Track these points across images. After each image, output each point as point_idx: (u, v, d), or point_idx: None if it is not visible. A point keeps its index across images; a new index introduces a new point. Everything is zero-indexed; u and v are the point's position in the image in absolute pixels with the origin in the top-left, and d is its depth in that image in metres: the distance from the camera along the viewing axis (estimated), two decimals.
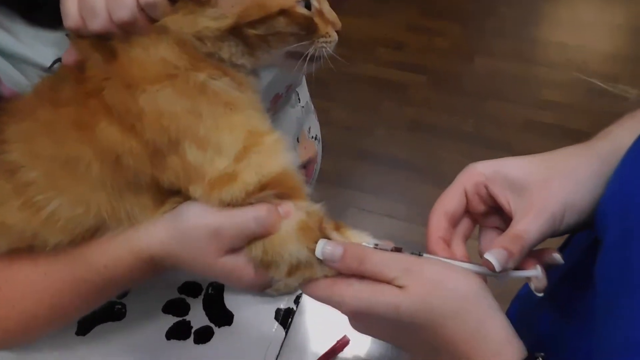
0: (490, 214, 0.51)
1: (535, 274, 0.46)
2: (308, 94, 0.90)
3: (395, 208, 2.01)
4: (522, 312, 0.66)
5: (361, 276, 0.44)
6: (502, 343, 0.41)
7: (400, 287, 0.42)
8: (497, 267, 0.43)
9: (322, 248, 0.44)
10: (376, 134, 2.28)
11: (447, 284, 0.42)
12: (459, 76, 2.51)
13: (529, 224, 0.44)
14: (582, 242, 0.53)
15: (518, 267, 0.46)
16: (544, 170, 0.46)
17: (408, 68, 2.54)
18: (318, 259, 0.44)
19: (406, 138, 2.27)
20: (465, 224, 0.52)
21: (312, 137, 0.91)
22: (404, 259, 0.43)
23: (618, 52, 2.58)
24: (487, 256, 0.43)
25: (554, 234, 0.46)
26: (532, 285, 0.46)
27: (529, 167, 0.47)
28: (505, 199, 0.47)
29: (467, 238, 0.52)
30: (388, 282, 0.42)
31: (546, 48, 2.62)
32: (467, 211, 0.51)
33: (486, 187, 0.49)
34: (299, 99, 0.85)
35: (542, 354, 0.42)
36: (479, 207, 0.50)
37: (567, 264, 0.55)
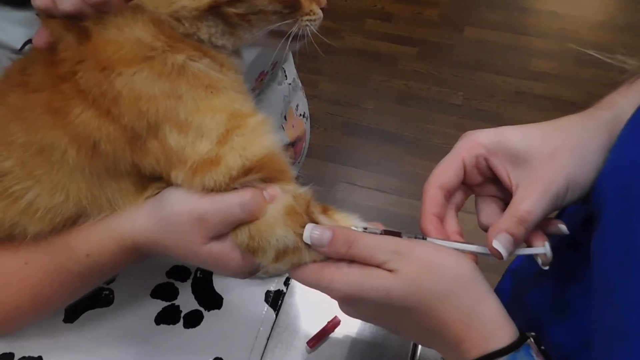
0: (486, 183, 0.50)
1: (543, 251, 0.45)
2: (295, 70, 0.88)
3: (385, 181, 2.01)
4: (515, 286, 0.66)
5: (350, 260, 0.43)
6: (495, 325, 0.41)
7: (390, 270, 0.41)
8: (505, 256, 0.43)
9: (310, 232, 0.43)
10: (365, 107, 2.26)
11: (439, 267, 0.42)
12: (448, 48, 2.48)
13: (533, 204, 0.43)
14: (576, 214, 0.53)
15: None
16: (548, 143, 0.44)
17: (397, 40, 2.51)
18: (306, 243, 0.43)
19: (396, 111, 2.25)
20: (458, 195, 0.50)
21: (300, 114, 0.89)
22: (394, 242, 0.43)
23: (610, 20, 2.56)
24: (495, 245, 0.42)
25: (555, 210, 0.45)
26: (539, 260, 0.45)
27: (531, 138, 0.45)
28: (505, 172, 0.46)
29: (459, 209, 0.50)
30: (378, 266, 0.42)
31: (537, 18, 2.59)
32: (462, 182, 0.49)
33: (486, 160, 0.47)
34: (285, 76, 0.83)
35: (533, 334, 0.42)
36: (476, 178, 0.49)
37: (562, 236, 0.54)
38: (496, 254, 0.42)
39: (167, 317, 0.65)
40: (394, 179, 2.01)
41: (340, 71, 2.37)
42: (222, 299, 0.66)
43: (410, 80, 2.35)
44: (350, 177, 2.03)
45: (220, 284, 0.68)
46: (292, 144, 0.85)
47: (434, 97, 2.29)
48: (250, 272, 0.48)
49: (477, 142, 0.47)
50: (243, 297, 0.67)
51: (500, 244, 0.42)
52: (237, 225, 0.45)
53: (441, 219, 0.48)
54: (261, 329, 0.64)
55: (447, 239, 0.47)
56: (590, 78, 2.25)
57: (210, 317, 0.65)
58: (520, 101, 2.26)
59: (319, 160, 2.03)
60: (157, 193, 0.47)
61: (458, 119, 2.21)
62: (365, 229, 0.45)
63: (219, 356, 0.62)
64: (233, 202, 0.43)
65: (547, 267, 0.45)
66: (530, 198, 0.43)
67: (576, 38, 2.46)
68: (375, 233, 0.44)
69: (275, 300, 0.67)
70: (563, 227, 0.46)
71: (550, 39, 2.47)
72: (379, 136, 2.16)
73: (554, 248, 0.54)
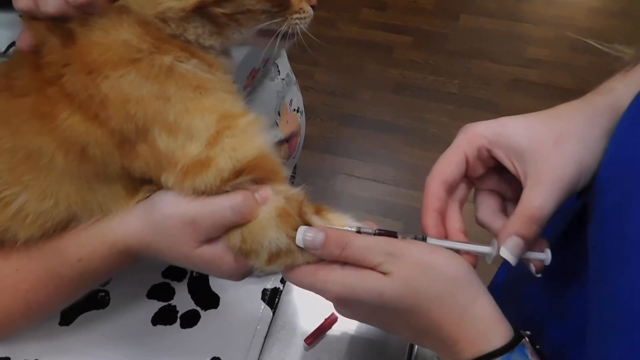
0: (487, 176, 0.49)
1: (544, 257, 0.44)
2: (289, 65, 0.87)
3: (382, 172, 2.01)
4: (509, 280, 0.66)
5: (344, 262, 0.42)
6: (488, 325, 0.41)
7: (384, 273, 0.41)
8: (514, 263, 0.42)
9: (303, 235, 0.42)
10: (361, 97, 2.25)
11: (432, 268, 0.41)
12: (444, 36, 2.46)
13: (544, 198, 0.42)
14: (570, 209, 0.52)
15: None
16: (550, 131, 0.43)
17: (392, 29, 2.49)
18: (299, 245, 0.43)
19: (392, 101, 2.24)
20: (461, 189, 0.49)
21: (294, 109, 0.88)
22: (387, 243, 0.42)
23: (604, 7, 2.54)
24: (503, 254, 0.42)
25: (570, 197, 0.43)
26: (533, 267, 0.44)
27: (533, 128, 0.44)
28: (510, 162, 0.45)
29: (463, 204, 0.49)
30: (372, 268, 0.41)
31: (532, 5, 2.57)
32: (465, 175, 0.48)
33: (489, 151, 0.46)
34: (278, 71, 0.82)
35: (528, 332, 0.41)
36: (478, 170, 0.48)
37: (557, 230, 0.54)
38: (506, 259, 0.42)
39: (164, 317, 0.64)
40: (391, 169, 2.01)
41: (336, 62, 2.36)
42: (218, 298, 0.66)
43: (406, 69, 2.34)
44: (348, 168, 2.02)
45: (216, 283, 0.67)
46: (287, 140, 0.84)
47: (430, 86, 2.28)
48: (244, 274, 0.48)
49: (478, 134, 0.46)
50: (240, 295, 0.66)
51: (507, 252, 0.42)
52: (229, 228, 0.44)
53: (442, 214, 0.48)
54: (258, 327, 0.64)
55: (447, 236, 0.47)
56: (585, 65, 2.24)
57: (207, 316, 0.65)
58: (516, 89, 2.25)
59: (315, 152, 2.03)
60: (148, 196, 0.47)
61: (454, 107, 2.20)
62: (359, 229, 0.44)
63: (217, 356, 0.62)
64: (224, 205, 0.43)
65: (539, 275, 0.45)
66: (541, 192, 0.42)
67: (571, 25, 2.44)
68: (369, 233, 0.44)
69: (272, 298, 0.66)
70: (547, 254, 0.45)
71: (546, 25, 2.46)
72: (376, 126, 2.15)
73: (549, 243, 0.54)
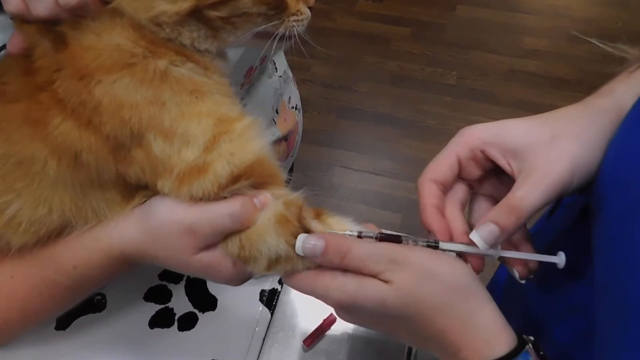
0: (486, 180, 0.48)
1: (557, 261, 0.43)
2: (286, 62, 0.86)
3: (380, 164, 2.00)
4: (512, 278, 0.66)
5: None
6: (492, 333, 0.40)
7: (385, 281, 0.40)
8: (482, 247, 0.41)
9: (303, 243, 0.42)
10: (359, 89, 2.24)
11: (434, 276, 0.41)
12: (441, 27, 2.45)
13: (528, 190, 0.41)
14: (573, 205, 0.52)
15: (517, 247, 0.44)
16: (547, 130, 0.43)
17: (389, 20, 2.47)
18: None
19: (389, 93, 2.23)
20: (461, 191, 0.49)
21: (292, 107, 0.87)
22: (388, 249, 0.41)
23: None
24: (473, 236, 0.41)
25: (563, 196, 0.43)
26: (516, 273, 0.44)
27: (530, 128, 0.44)
28: (505, 161, 0.45)
29: (464, 206, 0.49)
30: (374, 276, 0.41)
31: None
32: (462, 177, 0.48)
33: (483, 152, 0.46)
34: (275, 68, 0.81)
35: (532, 338, 0.41)
36: (475, 172, 0.48)
37: (559, 229, 0.54)
38: (474, 245, 0.42)
39: (161, 320, 0.64)
40: (389, 161, 2.01)
41: (333, 54, 2.34)
42: (216, 300, 0.66)
43: (404, 61, 2.33)
44: (346, 161, 2.02)
45: (214, 285, 0.67)
46: (285, 138, 0.83)
47: (428, 78, 2.27)
48: (243, 280, 0.47)
49: (473, 135, 0.46)
50: (237, 297, 0.66)
51: (477, 234, 0.41)
52: (227, 234, 0.44)
53: (441, 211, 0.47)
54: (257, 329, 0.64)
55: (449, 231, 0.46)
56: (582, 55, 2.23)
57: (204, 319, 0.64)
58: (513, 79, 2.24)
59: (313, 145, 2.02)
60: (144, 201, 0.46)
61: (452, 99, 2.19)
62: (360, 233, 0.43)
63: (215, 358, 0.61)
64: (222, 213, 0.42)
65: (523, 281, 0.44)
66: (526, 184, 0.42)
67: (569, 15, 2.43)
68: (371, 237, 0.43)
69: (270, 299, 0.66)
70: (561, 257, 0.44)
71: (542, 15, 2.45)
72: (373, 119, 2.14)
73: (550, 241, 0.53)
